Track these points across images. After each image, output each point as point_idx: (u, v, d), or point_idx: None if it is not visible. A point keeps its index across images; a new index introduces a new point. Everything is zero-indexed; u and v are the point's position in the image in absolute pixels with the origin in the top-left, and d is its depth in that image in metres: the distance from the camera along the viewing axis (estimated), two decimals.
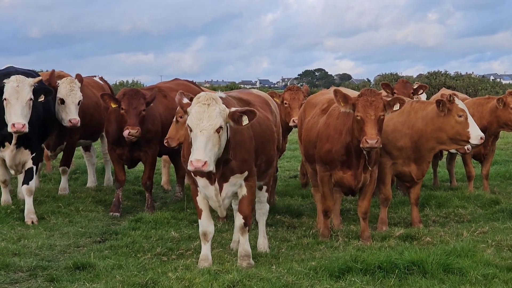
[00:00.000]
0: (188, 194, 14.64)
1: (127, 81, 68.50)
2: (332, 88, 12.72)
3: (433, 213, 12.60)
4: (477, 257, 8.88)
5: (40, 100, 11.75)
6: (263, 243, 10.16)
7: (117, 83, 69.48)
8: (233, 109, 8.51)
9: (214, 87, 59.00)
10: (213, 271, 8.43)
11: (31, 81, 11.61)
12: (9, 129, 11.32)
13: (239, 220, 9.13)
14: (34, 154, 12.12)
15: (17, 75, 11.55)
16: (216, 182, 8.77)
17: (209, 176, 8.69)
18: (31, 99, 11.51)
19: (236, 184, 8.96)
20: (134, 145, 12.86)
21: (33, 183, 12.11)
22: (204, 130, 8.12)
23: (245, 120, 8.43)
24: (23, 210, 11.98)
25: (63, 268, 9.04)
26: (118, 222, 12.34)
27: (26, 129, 11.28)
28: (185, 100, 8.60)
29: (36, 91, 11.64)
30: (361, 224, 10.78)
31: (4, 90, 11.42)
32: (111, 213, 12.85)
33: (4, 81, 11.52)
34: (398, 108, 10.09)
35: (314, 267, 8.68)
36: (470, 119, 11.01)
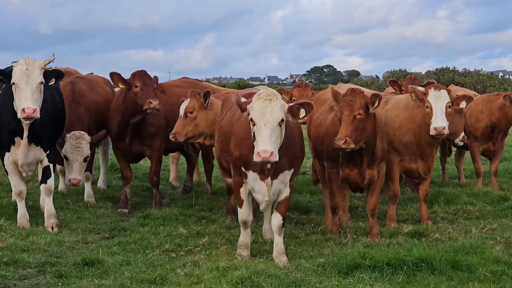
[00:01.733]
0: (195, 190, 14.70)
1: None
2: (340, 85, 12.75)
3: (442, 209, 12.57)
4: (486, 254, 8.86)
5: (50, 83, 10.85)
6: (269, 230, 10.45)
7: None
8: (291, 103, 8.99)
9: (222, 84, 59.12)
10: (221, 268, 8.44)
11: (41, 63, 10.70)
12: (19, 115, 10.34)
13: (278, 220, 9.44)
14: (48, 152, 11.24)
15: (26, 58, 10.71)
16: (269, 177, 9.11)
17: (262, 170, 9.05)
18: (42, 82, 10.55)
19: (284, 182, 9.35)
20: (136, 139, 12.94)
21: (51, 182, 11.44)
22: (268, 123, 8.57)
23: (303, 113, 8.88)
24: (31, 207, 12.00)
25: (72, 264, 9.04)
26: (126, 218, 12.35)
27: (38, 114, 10.32)
28: (243, 99, 9.08)
29: (47, 74, 10.71)
30: (370, 220, 10.78)
31: (13, 74, 10.49)
32: (119, 210, 12.87)
33: (12, 64, 10.65)
34: (377, 105, 10.03)
35: (323, 263, 8.70)
36: (436, 110, 10.85)
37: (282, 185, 9.33)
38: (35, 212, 12.00)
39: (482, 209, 12.52)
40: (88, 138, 12.52)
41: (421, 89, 11.25)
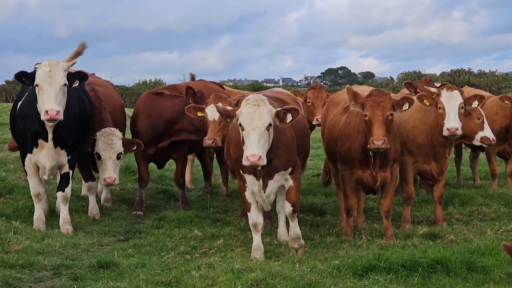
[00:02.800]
0: (210, 192, 14.72)
1: (150, 80, 68.56)
2: (355, 86, 12.72)
3: (457, 211, 12.54)
4: (501, 256, 8.81)
5: (74, 85, 10.75)
6: (284, 233, 10.58)
7: (140, 82, 69.49)
8: (278, 108, 9.20)
9: (237, 86, 59.16)
10: (236, 270, 8.44)
11: (65, 65, 10.65)
12: (42, 117, 10.28)
13: (287, 207, 9.66)
14: (70, 157, 11.19)
15: (50, 59, 10.64)
16: (261, 179, 9.43)
17: (255, 173, 9.35)
18: (65, 84, 10.50)
19: (281, 180, 9.59)
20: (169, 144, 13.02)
21: (69, 189, 11.42)
22: (256, 128, 8.84)
23: (289, 118, 9.08)
24: (46, 210, 12.04)
25: (87, 266, 9.06)
26: (141, 220, 12.37)
27: (61, 117, 10.26)
28: (229, 107, 9.43)
29: (71, 76, 10.65)
30: (384, 222, 10.77)
31: (36, 76, 10.44)
32: (135, 212, 12.88)
33: (36, 65, 10.60)
34: (407, 108, 10.09)
35: (338, 265, 8.68)
36: (449, 111, 10.93)
37: (279, 183, 9.60)
38: (50, 214, 12.05)
39: (497, 211, 12.47)
40: (119, 134, 12.17)
41: (433, 90, 11.26)
